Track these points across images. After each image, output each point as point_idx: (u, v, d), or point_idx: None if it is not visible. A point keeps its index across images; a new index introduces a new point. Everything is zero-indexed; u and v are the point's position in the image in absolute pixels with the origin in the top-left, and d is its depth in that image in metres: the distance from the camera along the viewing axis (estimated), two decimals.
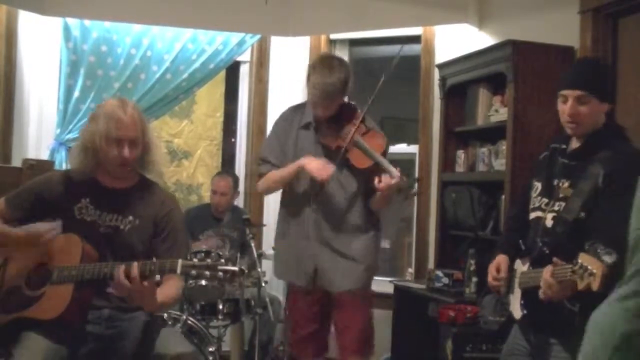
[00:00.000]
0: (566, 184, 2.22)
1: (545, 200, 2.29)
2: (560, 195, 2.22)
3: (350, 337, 2.99)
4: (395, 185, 2.74)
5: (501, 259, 2.42)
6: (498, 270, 2.40)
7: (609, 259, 1.91)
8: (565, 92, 2.22)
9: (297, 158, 3.00)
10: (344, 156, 2.93)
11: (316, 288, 3.04)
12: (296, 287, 3.15)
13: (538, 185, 2.35)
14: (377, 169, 2.85)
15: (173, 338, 2.54)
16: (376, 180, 2.77)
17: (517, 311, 2.34)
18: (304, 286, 3.05)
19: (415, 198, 4.60)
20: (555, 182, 2.26)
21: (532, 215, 2.34)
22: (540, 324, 2.27)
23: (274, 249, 3.32)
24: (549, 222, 2.24)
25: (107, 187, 2.51)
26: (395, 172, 2.74)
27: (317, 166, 2.89)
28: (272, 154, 3.12)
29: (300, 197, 3.04)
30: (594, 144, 2.21)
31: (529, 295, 2.22)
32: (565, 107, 2.22)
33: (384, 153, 2.95)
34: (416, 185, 2.86)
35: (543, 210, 2.28)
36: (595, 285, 1.90)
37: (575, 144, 2.29)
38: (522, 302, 2.30)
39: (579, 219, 2.14)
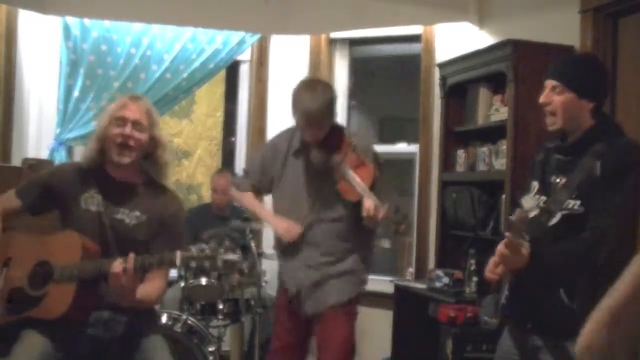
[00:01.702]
0: (564, 180, 2.19)
1: (544, 198, 2.27)
2: (557, 191, 2.20)
3: (329, 353, 2.96)
4: (380, 221, 2.80)
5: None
6: (496, 266, 2.40)
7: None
8: (545, 82, 2.26)
9: (286, 186, 3.04)
10: (334, 187, 2.94)
11: (298, 307, 3.03)
12: (281, 297, 3.16)
13: (535, 185, 2.35)
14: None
15: (158, 351, 2.51)
16: (363, 210, 2.79)
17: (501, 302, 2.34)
18: (293, 291, 3.05)
19: (416, 198, 4.60)
20: (552, 178, 2.23)
21: (531, 213, 2.34)
22: (523, 319, 2.26)
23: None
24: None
25: (116, 179, 2.51)
26: (381, 207, 2.77)
27: (284, 228, 2.99)
28: (254, 173, 3.16)
29: (291, 217, 3.04)
30: (588, 139, 2.20)
31: (513, 288, 2.23)
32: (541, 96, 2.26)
33: (374, 183, 2.93)
34: (403, 224, 2.90)
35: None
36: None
37: (569, 140, 2.28)
38: (507, 293, 2.30)
39: (572, 211, 2.13)
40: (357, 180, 2.89)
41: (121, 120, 2.44)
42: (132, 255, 2.24)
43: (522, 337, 2.30)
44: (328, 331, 2.97)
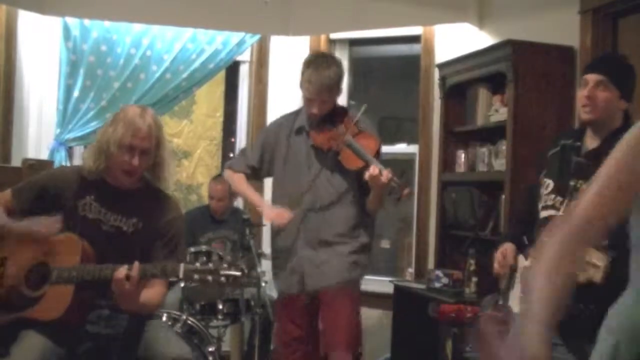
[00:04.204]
0: (585, 186, 2.19)
1: (560, 199, 2.27)
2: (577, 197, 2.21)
3: (335, 333, 2.96)
4: (385, 184, 2.76)
5: (508, 246, 2.42)
6: (504, 257, 2.40)
7: (612, 253, 1.92)
8: (586, 76, 2.24)
9: (288, 164, 3.04)
10: (336, 158, 2.94)
11: (305, 292, 3.03)
12: (284, 293, 3.15)
13: (549, 183, 2.33)
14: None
15: (170, 339, 2.53)
16: (365, 174, 2.78)
17: (517, 306, 2.33)
18: (295, 293, 3.05)
19: (416, 198, 4.60)
20: (573, 182, 2.24)
21: (545, 213, 2.32)
22: None
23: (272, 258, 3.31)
24: None
25: (114, 186, 2.51)
26: (385, 171, 2.75)
27: (274, 215, 2.98)
28: (252, 153, 3.17)
29: (288, 202, 3.03)
30: (611, 144, 2.19)
31: None
32: (584, 91, 2.23)
33: (377, 154, 2.94)
34: (406, 188, 2.81)
35: (557, 209, 2.27)
36: (598, 278, 1.92)
37: (591, 142, 2.27)
38: (521, 296, 2.30)
39: None
40: (360, 148, 2.89)
41: (130, 148, 2.41)
42: (137, 264, 2.24)
43: None
44: (333, 312, 2.96)
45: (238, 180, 3.16)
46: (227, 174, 3.24)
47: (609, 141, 2.19)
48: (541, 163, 2.44)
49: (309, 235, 3.00)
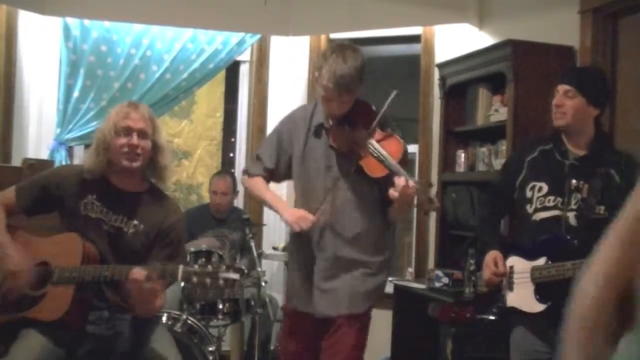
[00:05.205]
0: (586, 186, 2.36)
1: (560, 199, 2.39)
2: (584, 196, 2.36)
3: None
4: (412, 197, 2.45)
5: (497, 254, 2.48)
6: (496, 265, 2.45)
7: None
8: (557, 87, 2.45)
9: (304, 164, 2.76)
10: (357, 163, 2.62)
11: (314, 314, 2.73)
12: (293, 305, 2.85)
13: (541, 186, 2.44)
14: (392, 178, 2.53)
15: (164, 345, 2.52)
16: (391, 189, 2.47)
17: (531, 306, 2.36)
18: (304, 312, 2.77)
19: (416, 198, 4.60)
20: (574, 183, 2.38)
21: (545, 214, 2.42)
22: (561, 314, 2.29)
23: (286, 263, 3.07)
24: (572, 220, 2.36)
25: (117, 187, 2.51)
26: (413, 183, 2.44)
27: (295, 218, 2.64)
28: (267, 155, 2.84)
29: (310, 210, 2.70)
30: (598, 148, 2.41)
31: (546, 289, 2.27)
32: (554, 100, 2.45)
33: (403, 160, 2.61)
34: (435, 199, 2.49)
35: (560, 209, 2.38)
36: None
37: (574, 148, 2.43)
38: (538, 296, 2.33)
39: (599, 215, 2.30)
40: (385, 155, 2.58)
41: (127, 130, 2.43)
42: (148, 268, 2.24)
43: (556, 331, 2.32)
44: (338, 341, 2.68)
45: (255, 184, 2.83)
46: (244, 179, 2.93)
47: (595, 147, 2.41)
48: (515, 169, 2.56)
49: (327, 249, 2.70)
